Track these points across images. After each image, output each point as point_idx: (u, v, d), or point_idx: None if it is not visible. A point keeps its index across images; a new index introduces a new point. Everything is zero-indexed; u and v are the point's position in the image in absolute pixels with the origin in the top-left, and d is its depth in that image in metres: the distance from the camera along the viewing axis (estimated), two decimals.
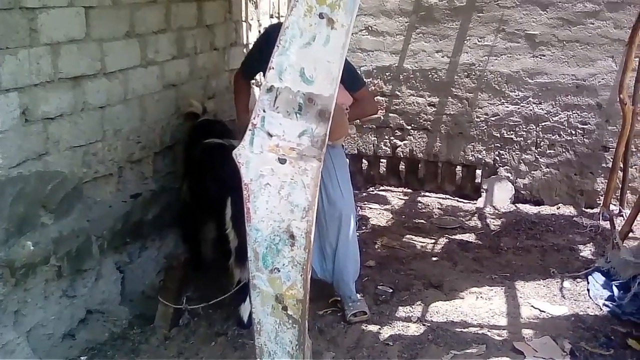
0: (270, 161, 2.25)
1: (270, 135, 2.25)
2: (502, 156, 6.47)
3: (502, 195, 6.41)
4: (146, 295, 4.18)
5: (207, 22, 4.76)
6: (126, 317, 3.93)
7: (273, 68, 2.23)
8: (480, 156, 6.53)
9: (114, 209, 3.90)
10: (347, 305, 4.17)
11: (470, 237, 5.56)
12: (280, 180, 2.25)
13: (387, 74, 6.60)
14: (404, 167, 6.79)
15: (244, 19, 5.31)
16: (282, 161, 2.24)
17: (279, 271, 2.31)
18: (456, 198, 6.58)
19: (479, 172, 6.57)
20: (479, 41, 6.34)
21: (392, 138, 6.75)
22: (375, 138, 6.75)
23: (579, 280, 4.73)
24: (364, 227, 5.64)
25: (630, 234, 5.01)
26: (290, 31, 2.21)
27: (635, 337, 3.98)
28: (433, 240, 5.48)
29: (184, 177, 4.45)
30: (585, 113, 6.25)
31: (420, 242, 5.41)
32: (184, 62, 4.55)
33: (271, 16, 5.79)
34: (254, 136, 2.26)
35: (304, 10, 2.19)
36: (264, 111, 2.24)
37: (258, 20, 5.54)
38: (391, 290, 4.51)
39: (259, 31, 5.57)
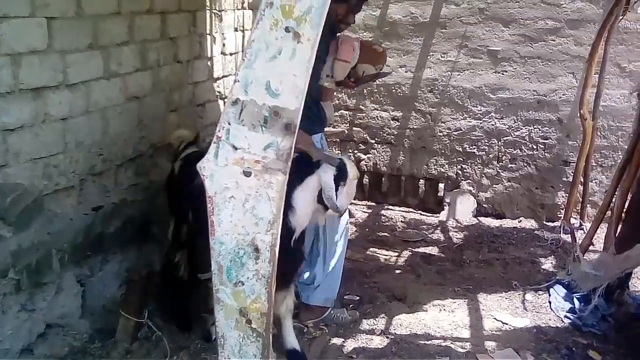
0: (235, 174, 2.25)
1: (235, 148, 2.24)
2: (465, 170, 6.54)
3: (464, 208, 6.47)
4: (107, 309, 4.11)
5: (171, 34, 4.73)
6: (87, 331, 3.87)
7: (238, 81, 2.24)
8: (443, 170, 6.59)
9: (75, 222, 3.84)
10: (336, 309, 4.26)
11: (433, 250, 5.60)
12: (245, 193, 2.25)
13: None
14: (367, 180, 6.82)
15: (208, 32, 5.29)
16: (247, 174, 2.24)
17: (243, 284, 2.31)
18: (419, 211, 6.63)
19: (441, 185, 6.63)
20: (442, 57, 6.40)
21: (356, 152, 6.78)
22: (339, 151, 6.76)
23: (540, 292, 4.78)
24: None
25: (591, 247, 5.09)
26: (256, 45, 2.22)
27: (596, 348, 4.04)
28: (396, 253, 5.50)
29: (177, 225, 4.11)
30: (547, 128, 6.35)
31: (384, 255, 5.42)
32: (147, 75, 4.51)
33: (236, 29, 5.77)
34: (219, 149, 2.26)
35: (269, 24, 2.20)
36: (229, 124, 2.24)
37: (222, 34, 5.52)
38: (358, 298, 4.55)
39: (223, 44, 5.55)
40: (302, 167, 3.42)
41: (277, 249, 2.27)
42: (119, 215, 4.25)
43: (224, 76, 5.59)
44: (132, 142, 4.38)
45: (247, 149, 2.23)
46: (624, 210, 4.57)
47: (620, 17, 5.56)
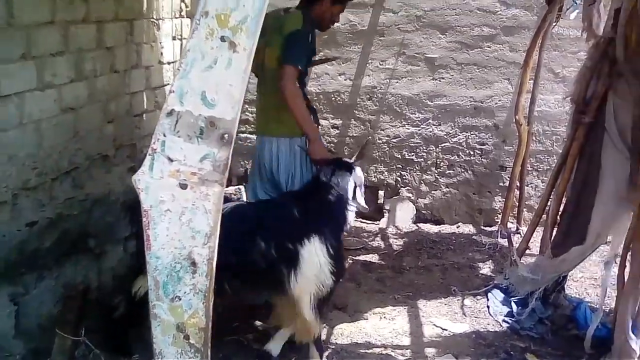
0: (170, 186, 2.21)
1: (170, 160, 2.21)
2: (404, 177, 6.59)
3: (404, 215, 6.52)
4: (43, 328, 4.00)
5: (107, 44, 4.65)
6: (20, 351, 3.74)
7: (173, 91, 2.20)
8: (382, 177, 6.62)
9: (7, 239, 3.73)
10: None
11: (373, 258, 5.62)
12: (181, 206, 2.22)
13: None
14: None
15: (145, 41, 5.21)
16: (183, 186, 2.21)
17: (180, 299, 2.27)
18: (359, 219, 6.62)
19: (381, 193, 6.66)
20: (380, 64, 6.45)
21: None
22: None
23: (479, 297, 4.85)
24: None
25: (527, 251, 5.18)
26: (192, 54, 2.19)
27: (534, 351, 4.13)
28: None
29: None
30: (483, 134, 6.46)
31: None
32: (83, 85, 4.42)
33: (174, 38, 5.71)
34: (154, 161, 2.22)
35: (205, 34, 2.17)
36: (164, 135, 2.21)
37: (160, 43, 5.45)
38: None
39: (161, 53, 5.48)
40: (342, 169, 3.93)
41: (214, 263, 2.24)
42: (54, 230, 4.15)
43: (162, 86, 5.52)
44: (67, 155, 4.28)
45: (183, 160, 2.20)
46: (559, 213, 4.66)
47: (554, 24, 5.71)
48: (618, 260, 4.05)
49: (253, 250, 3.57)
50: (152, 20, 5.28)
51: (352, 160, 4.13)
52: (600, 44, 4.35)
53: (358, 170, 3.98)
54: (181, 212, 2.22)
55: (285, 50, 4.15)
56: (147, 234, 2.25)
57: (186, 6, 5.88)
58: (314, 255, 3.66)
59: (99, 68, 4.58)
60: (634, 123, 3.97)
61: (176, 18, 5.76)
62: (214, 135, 2.18)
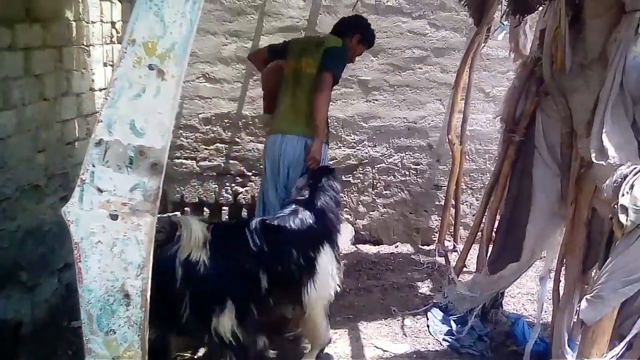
0: (101, 218, 2.17)
1: (100, 190, 2.16)
2: (342, 198, 6.60)
3: (342, 237, 6.48)
4: None
5: (35, 71, 4.56)
6: None
7: (101, 121, 2.16)
8: None
9: None
10: None
11: None
12: (112, 237, 2.17)
13: (225, 120, 6.56)
14: (246, 214, 6.75)
15: (75, 67, 5.13)
16: (113, 217, 2.16)
17: (115, 333, 2.21)
18: None
19: None
20: None
21: (233, 185, 6.70)
22: (216, 185, 6.68)
23: (418, 317, 4.88)
24: None
25: (465, 269, 5.24)
26: (119, 83, 2.16)
27: None
28: None
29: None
30: (418, 154, 6.54)
31: None
32: (11, 114, 4.31)
33: (105, 64, 5.62)
34: (83, 192, 2.17)
35: (132, 62, 2.14)
36: (93, 166, 2.16)
37: (91, 69, 5.37)
38: None
39: (92, 80, 5.40)
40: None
41: (148, 294, 2.19)
42: None
43: (94, 113, 5.42)
44: None
45: (113, 191, 2.16)
46: (494, 231, 4.73)
47: (483, 45, 5.83)
48: (553, 275, 4.12)
49: (289, 262, 3.71)
50: (82, 46, 5.20)
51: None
52: (527, 63, 4.45)
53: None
54: (113, 244, 2.17)
55: (327, 60, 4.71)
56: (79, 267, 2.19)
57: (117, 32, 5.80)
58: (328, 263, 3.90)
59: (28, 96, 4.48)
60: (562, 140, 4.06)
61: (107, 44, 5.68)
62: (144, 164, 2.14)
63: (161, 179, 2.15)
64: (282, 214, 3.98)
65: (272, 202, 4.71)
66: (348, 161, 6.54)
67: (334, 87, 4.92)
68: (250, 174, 6.66)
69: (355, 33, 5.03)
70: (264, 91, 5.33)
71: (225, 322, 3.38)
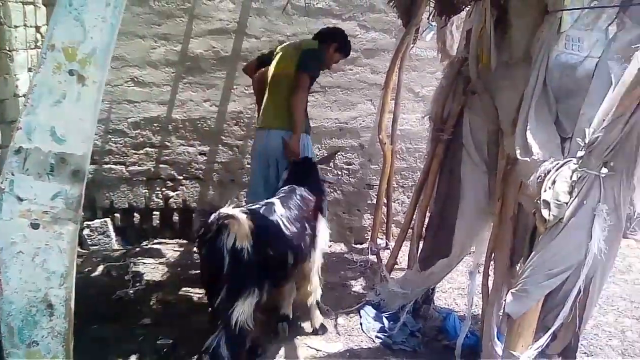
0: (22, 227, 2.11)
1: (20, 199, 2.11)
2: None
3: None
4: None
5: None
6: None
7: (21, 128, 2.11)
8: None
9: None
10: None
11: None
12: (34, 246, 2.12)
13: (155, 124, 6.47)
14: (177, 218, 6.69)
15: None
16: (35, 226, 2.11)
17: (38, 344, 2.16)
18: None
19: None
20: (245, 90, 6.43)
21: (164, 189, 6.62)
22: (146, 190, 6.59)
23: (352, 315, 4.89)
24: (137, 284, 5.43)
25: (397, 266, 5.29)
26: (39, 89, 2.11)
27: None
28: None
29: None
30: (350, 154, 6.58)
31: (197, 293, 5.27)
32: None
33: (29, 70, 5.49)
34: (3, 201, 2.11)
35: (52, 68, 2.10)
36: (12, 174, 2.11)
37: (15, 75, 5.23)
38: (171, 341, 4.39)
39: (16, 85, 5.25)
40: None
41: (72, 303, 2.15)
42: None
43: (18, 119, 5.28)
44: None
45: (34, 199, 2.11)
46: (424, 228, 4.79)
47: (412, 45, 5.89)
48: (482, 269, 4.19)
49: (304, 234, 4.20)
50: (4, 51, 5.06)
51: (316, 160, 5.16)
52: (454, 63, 4.52)
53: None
54: (34, 253, 2.12)
55: (303, 61, 5.07)
56: None
57: (42, 37, 5.65)
58: (324, 229, 4.59)
59: None
60: (489, 138, 4.14)
61: (32, 49, 5.54)
62: (65, 171, 2.10)
63: (83, 187, 2.11)
64: (283, 193, 4.40)
65: (261, 193, 4.99)
66: None
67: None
68: (181, 177, 6.59)
69: (333, 42, 5.37)
70: (256, 97, 5.64)
71: (247, 306, 3.60)
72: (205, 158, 6.57)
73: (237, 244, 3.54)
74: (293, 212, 4.14)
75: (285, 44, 5.60)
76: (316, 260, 4.45)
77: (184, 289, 5.40)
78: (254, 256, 3.58)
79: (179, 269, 5.90)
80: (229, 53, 6.41)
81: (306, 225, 4.25)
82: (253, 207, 4.00)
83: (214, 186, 6.62)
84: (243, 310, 3.56)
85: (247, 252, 3.56)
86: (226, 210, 3.50)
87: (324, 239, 4.56)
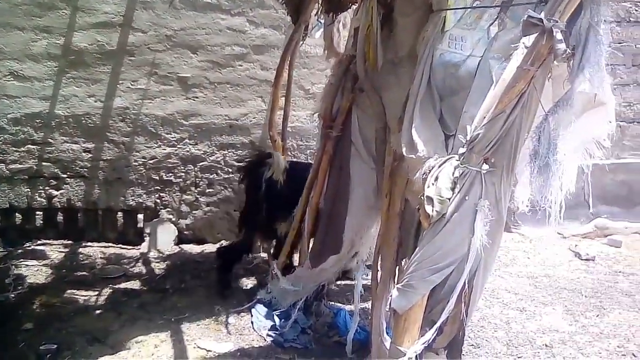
0: None
1: None
2: (163, 198, 6.48)
3: (165, 237, 6.40)
4: None
5: None
6: None
7: None
8: (141, 200, 6.46)
9: None
10: None
11: (135, 284, 5.42)
12: None
13: (37, 120, 6.20)
14: (62, 217, 6.44)
15: None
16: None
17: None
18: (119, 245, 6.39)
19: (140, 216, 6.47)
20: (132, 85, 6.28)
21: (47, 188, 6.34)
22: (28, 189, 6.30)
23: (243, 314, 4.85)
24: (19, 287, 5.20)
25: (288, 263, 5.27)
26: None
27: None
28: (96, 292, 5.22)
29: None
30: (240, 151, 6.54)
31: (83, 295, 5.11)
32: None
33: None
34: None
35: None
36: None
37: None
38: (55, 346, 4.22)
39: None
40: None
41: None
42: None
43: None
44: None
45: None
46: (315, 224, 4.80)
47: (301, 42, 5.88)
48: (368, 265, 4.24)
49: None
50: None
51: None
52: (342, 61, 4.55)
53: None
54: None
55: None
56: None
57: None
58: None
59: None
60: (377, 135, 4.19)
61: None
62: None
63: None
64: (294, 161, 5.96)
65: None
66: (169, 160, 6.41)
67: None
68: (65, 176, 6.34)
69: None
70: None
71: (284, 225, 5.15)
72: (90, 155, 6.35)
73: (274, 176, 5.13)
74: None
75: None
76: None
77: (69, 291, 5.22)
78: (284, 189, 5.10)
79: (63, 270, 5.70)
80: (115, 47, 6.23)
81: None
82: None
83: (99, 184, 6.41)
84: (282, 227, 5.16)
85: (280, 184, 5.11)
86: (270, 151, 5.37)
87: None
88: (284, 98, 6.15)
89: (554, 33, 2.56)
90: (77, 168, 6.36)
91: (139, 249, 6.30)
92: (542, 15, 2.58)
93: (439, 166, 2.92)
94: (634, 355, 4.48)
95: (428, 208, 2.85)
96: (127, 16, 6.21)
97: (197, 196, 6.53)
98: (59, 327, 4.54)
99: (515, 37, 2.90)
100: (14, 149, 6.20)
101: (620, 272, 6.20)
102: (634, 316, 5.12)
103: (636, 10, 7.35)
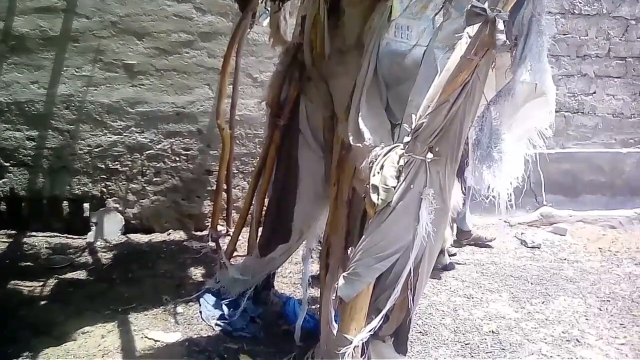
0: None
1: None
2: (110, 187, 6.39)
3: (112, 227, 6.31)
4: None
5: None
6: None
7: None
8: (87, 189, 6.36)
9: None
10: None
11: (81, 275, 5.34)
12: None
13: None
14: (5, 207, 6.30)
15: None
16: None
17: None
18: (65, 235, 6.28)
19: (86, 205, 6.37)
20: (76, 72, 6.17)
21: None
22: None
23: (191, 304, 4.83)
24: None
25: (236, 252, 5.27)
26: None
27: (247, 351, 4.20)
28: (41, 283, 5.12)
29: None
30: (188, 139, 6.49)
31: (28, 286, 5.01)
32: None
33: None
34: None
35: None
36: None
37: None
38: None
39: None
40: None
41: None
42: None
43: None
44: None
45: None
46: (263, 213, 4.80)
47: (249, 30, 5.85)
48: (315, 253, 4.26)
49: None
50: None
51: None
52: (290, 49, 4.54)
53: None
54: None
55: None
56: None
57: None
58: None
59: None
60: (325, 124, 4.21)
61: None
62: None
63: None
64: None
65: None
66: (115, 148, 6.32)
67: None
68: (7, 164, 6.20)
69: None
70: None
71: None
72: (34, 144, 6.23)
73: None
74: None
75: None
76: None
77: (13, 282, 5.12)
78: None
79: (7, 261, 5.59)
80: (58, 33, 6.10)
81: None
82: None
83: (44, 173, 6.29)
84: None
85: None
86: None
87: None
88: (231, 86, 6.12)
89: (496, 23, 2.59)
90: (21, 156, 6.22)
91: (85, 238, 6.19)
92: (485, 5, 2.60)
93: (385, 155, 2.94)
94: (578, 341, 4.59)
95: (373, 196, 2.86)
96: (71, 2, 6.07)
97: (144, 185, 6.46)
98: (2, 321, 4.45)
99: (460, 27, 2.92)
100: None
101: (565, 259, 6.35)
102: (578, 302, 5.25)
103: (580, 3, 7.47)
